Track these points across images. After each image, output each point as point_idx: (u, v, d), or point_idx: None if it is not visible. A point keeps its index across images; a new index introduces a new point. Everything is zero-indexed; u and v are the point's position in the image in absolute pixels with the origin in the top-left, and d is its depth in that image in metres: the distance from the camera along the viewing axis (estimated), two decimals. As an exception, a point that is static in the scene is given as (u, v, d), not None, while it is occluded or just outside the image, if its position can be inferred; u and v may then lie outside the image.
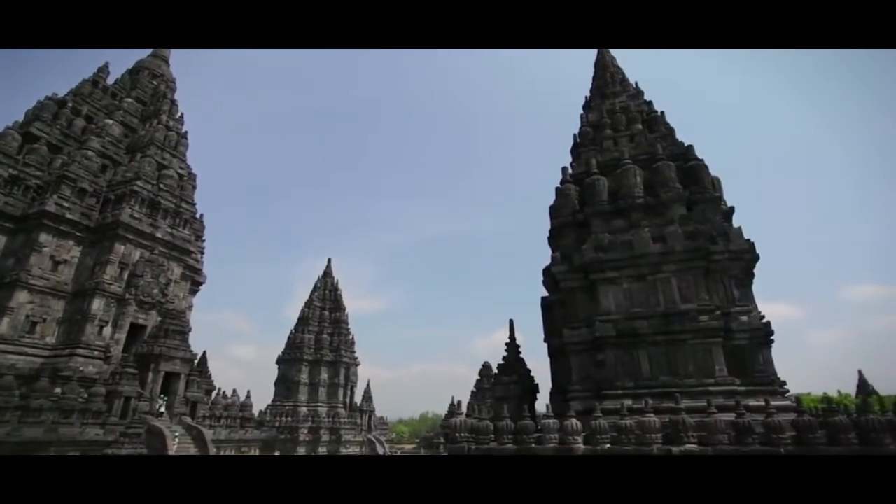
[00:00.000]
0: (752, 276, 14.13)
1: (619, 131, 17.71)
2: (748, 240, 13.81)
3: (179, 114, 38.10)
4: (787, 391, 12.40)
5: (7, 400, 19.68)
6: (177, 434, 23.42)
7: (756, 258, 13.88)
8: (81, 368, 24.68)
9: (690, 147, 16.04)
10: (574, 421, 11.16)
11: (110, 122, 33.50)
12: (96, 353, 26.24)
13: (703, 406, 10.83)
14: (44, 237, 27.36)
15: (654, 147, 16.23)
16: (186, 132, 37.00)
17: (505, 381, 17.20)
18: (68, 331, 27.04)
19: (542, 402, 18.36)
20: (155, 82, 38.49)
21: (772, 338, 13.01)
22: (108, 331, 27.42)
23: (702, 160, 15.62)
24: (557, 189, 17.32)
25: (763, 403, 10.26)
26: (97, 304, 27.01)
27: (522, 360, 17.99)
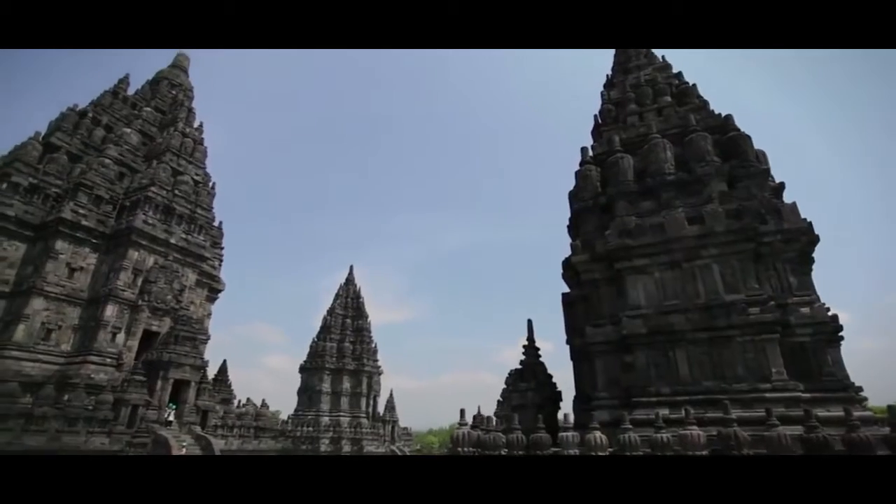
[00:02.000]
0: (812, 261, 11.92)
1: (644, 106, 15.79)
2: (805, 218, 11.65)
3: (199, 122, 38.25)
4: (866, 399, 10.12)
5: (9, 407, 19.23)
6: (184, 444, 22.55)
7: (815, 239, 11.69)
8: (92, 376, 24.27)
9: (729, 117, 13.98)
10: (598, 434, 9.28)
11: (128, 130, 33.81)
12: (108, 360, 25.86)
13: (761, 416, 8.77)
14: (60, 244, 27.40)
15: (687, 119, 14.25)
16: (203, 138, 37.06)
17: (522, 388, 15.38)
18: (83, 338, 26.85)
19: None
20: (174, 91, 38.88)
21: (840, 334, 10.79)
22: (121, 338, 27.08)
23: (743, 131, 13.55)
24: (577, 172, 15.52)
25: (841, 414, 8.13)
26: (110, 311, 26.74)
27: (542, 365, 16.14)
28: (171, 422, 24.74)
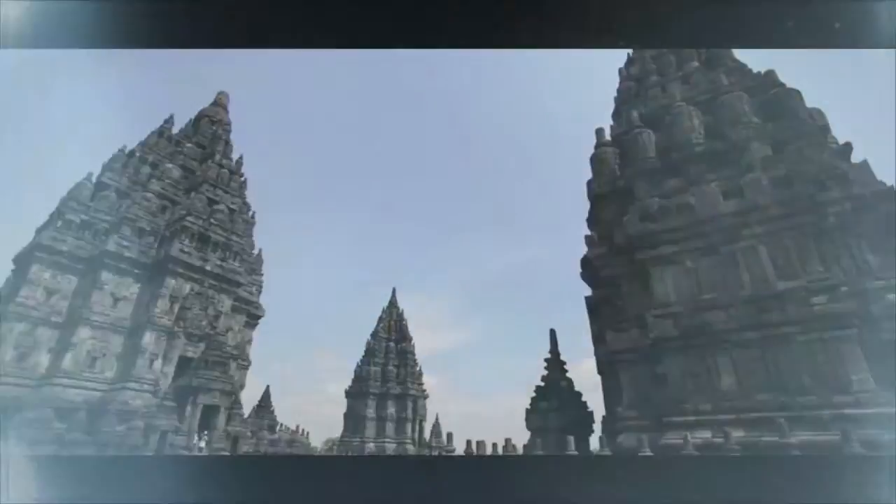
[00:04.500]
0: (898, 235, 9.22)
1: (667, 76, 13.71)
2: (883, 181, 9.08)
3: (239, 155, 40.10)
4: None
5: (42, 433, 19.70)
6: (208, 471, 22.15)
7: (901, 208, 9.02)
8: (129, 402, 24.78)
9: (771, 73, 11.63)
10: (609, 463, 7.25)
11: (170, 166, 35.75)
12: (145, 386, 26.43)
13: (835, 440, 6.38)
14: (105, 275, 28.85)
15: (717, 82, 12.06)
16: (241, 170, 38.62)
17: (542, 409, 13.36)
18: (125, 365, 27.75)
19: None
20: (213, 127, 40.99)
21: (950, 327, 8.01)
22: (158, 364, 27.72)
23: (789, 87, 11.15)
24: (591, 157, 13.63)
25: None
26: (148, 338, 27.54)
27: (569, 381, 14.03)
28: (201, 448, 24.58)
